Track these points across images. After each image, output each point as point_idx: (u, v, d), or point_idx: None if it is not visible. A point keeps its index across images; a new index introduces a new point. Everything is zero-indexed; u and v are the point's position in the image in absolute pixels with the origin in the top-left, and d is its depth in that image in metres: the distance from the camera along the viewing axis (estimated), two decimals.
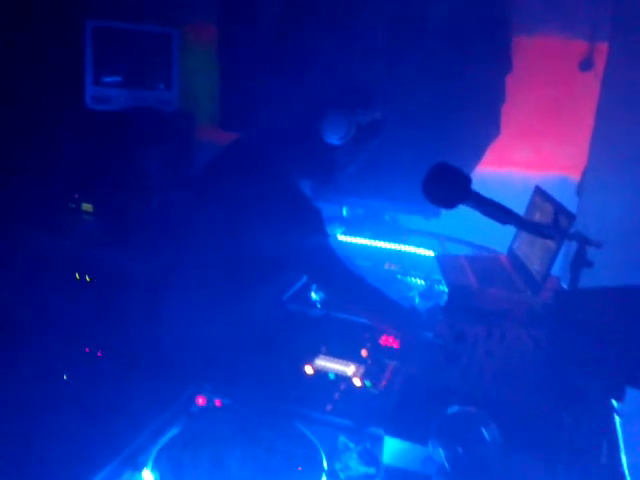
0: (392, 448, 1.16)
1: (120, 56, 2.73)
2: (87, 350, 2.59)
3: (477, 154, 2.62)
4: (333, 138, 1.70)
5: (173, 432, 1.37)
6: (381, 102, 1.78)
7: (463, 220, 2.15)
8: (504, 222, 1.21)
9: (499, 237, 2.37)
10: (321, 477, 1.24)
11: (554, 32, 2.47)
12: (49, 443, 1.66)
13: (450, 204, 1.21)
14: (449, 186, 1.20)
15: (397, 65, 2.55)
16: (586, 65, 2.44)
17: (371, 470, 1.25)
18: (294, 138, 1.82)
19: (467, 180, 1.20)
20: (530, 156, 2.66)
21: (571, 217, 1.78)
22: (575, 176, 2.61)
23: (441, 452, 0.99)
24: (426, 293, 2.17)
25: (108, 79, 2.73)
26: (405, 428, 1.16)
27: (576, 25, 2.43)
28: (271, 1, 2.76)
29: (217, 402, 1.48)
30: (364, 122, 1.71)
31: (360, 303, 1.81)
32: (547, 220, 1.71)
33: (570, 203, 2.49)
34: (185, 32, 2.89)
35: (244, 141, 1.92)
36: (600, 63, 2.42)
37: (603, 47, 2.39)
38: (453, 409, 1.04)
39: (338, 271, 1.77)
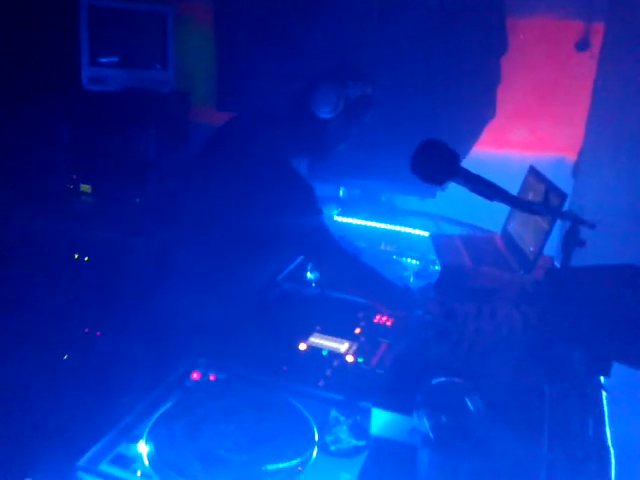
0: (379, 419, 1.19)
1: (116, 36, 2.72)
2: (87, 330, 2.63)
3: (473, 135, 2.63)
4: (324, 111, 1.73)
5: (168, 405, 1.39)
6: (371, 77, 1.80)
7: (458, 201, 2.16)
8: (491, 198, 1.23)
9: (494, 218, 2.39)
10: (313, 449, 1.27)
11: (550, 12, 2.47)
12: (49, 417, 1.69)
13: (438, 180, 1.23)
14: (437, 162, 1.21)
15: (392, 47, 2.55)
16: (582, 45, 2.44)
17: (361, 442, 1.28)
18: (286, 114, 1.84)
19: (455, 156, 1.21)
20: (526, 137, 2.67)
21: (563, 196, 1.80)
22: (571, 157, 2.62)
23: (425, 421, 1.02)
24: (421, 273, 2.19)
25: (104, 59, 2.71)
26: (392, 400, 1.19)
27: (572, 5, 2.42)
28: None
29: (211, 377, 1.50)
30: (354, 96, 1.74)
31: (352, 281, 1.83)
32: (540, 199, 1.72)
33: (566, 184, 2.51)
34: (181, 11, 2.88)
35: (237, 120, 1.93)
36: (596, 43, 2.41)
37: (599, 27, 2.39)
38: (438, 380, 1.06)
39: (330, 248, 1.79)
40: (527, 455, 1.02)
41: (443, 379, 1.06)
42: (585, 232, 1.42)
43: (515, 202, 1.22)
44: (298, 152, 1.87)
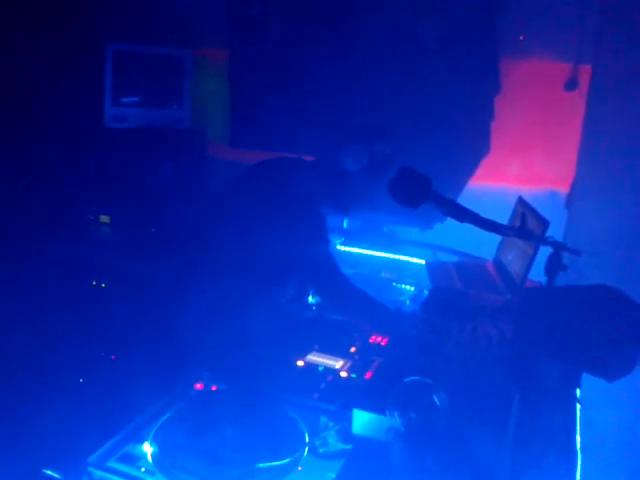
0: (360, 420, 1.30)
1: (136, 77, 2.92)
2: (102, 353, 2.76)
3: (468, 169, 2.77)
4: (349, 162, 1.91)
5: (172, 412, 1.52)
6: (392, 138, 1.99)
7: (456, 232, 2.29)
8: (462, 220, 1.35)
9: (490, 247, 2.51)
10: (303, 451, 1.38)
11: (541, 55, 2.63)
12: (65, 420, 1.83)
13: (414, 203, 1.35)
14: (412, 187, 1.34)
15: (391, 87, 2.71)
16: (571, 85, 2.58)
17: (348, 447, 1.38)
18: (316, 164, 2.03)
19: (428, 182, 1.34)
20: (521, 171, 2.79)
21: (545, 223, 1.92)
22: (564, 189, 2.73)
23: (397, 417, 1.13)
24: (416, 298, 2.31)
25: (125, 99, 2.92)
26: (372, 402, 1.30)
27: (561, 49, 2.58)
28: (275, 27, 2.97)
29: (213, 388, 1.63)
30: (376, 151, 1.92)
31: (348, 306, 1.97)
32: (527, 227, 1.84)
33: (560, 215, 2.63)
34: (198, 55, 3.10)
35: (269, 163, 2.09)
36: (584, 83, 2.56)
37: (586, 69, 2.54)
38: (408, 379, 1.17)
39: (329, 277, 1.94)
40: (490, 449, 1.12)
41: (413, 378, 1.17)
42: (582, 261, 1.53)
43: (485, 224, 1.33)
44: (324, 199, 2.03)
